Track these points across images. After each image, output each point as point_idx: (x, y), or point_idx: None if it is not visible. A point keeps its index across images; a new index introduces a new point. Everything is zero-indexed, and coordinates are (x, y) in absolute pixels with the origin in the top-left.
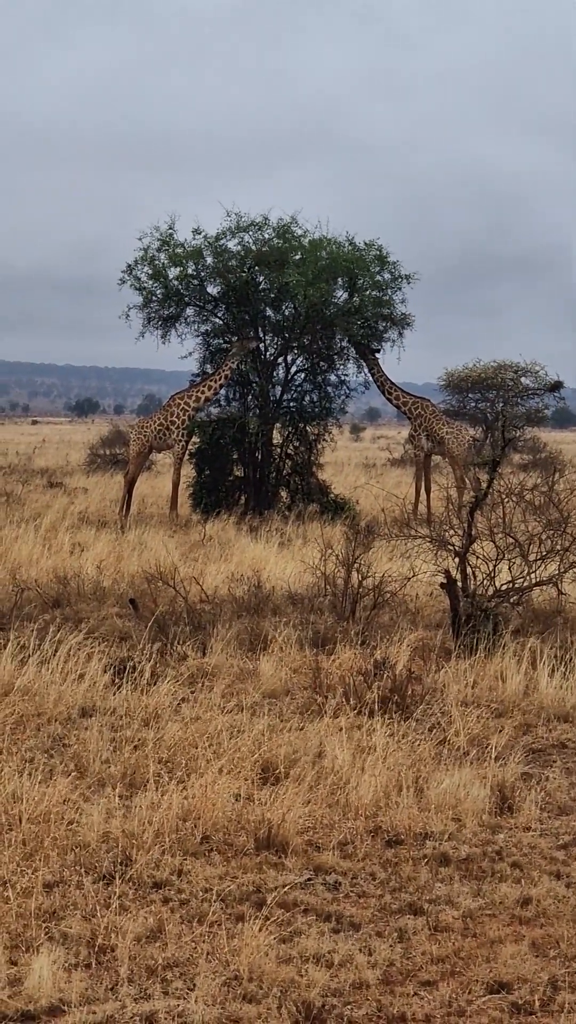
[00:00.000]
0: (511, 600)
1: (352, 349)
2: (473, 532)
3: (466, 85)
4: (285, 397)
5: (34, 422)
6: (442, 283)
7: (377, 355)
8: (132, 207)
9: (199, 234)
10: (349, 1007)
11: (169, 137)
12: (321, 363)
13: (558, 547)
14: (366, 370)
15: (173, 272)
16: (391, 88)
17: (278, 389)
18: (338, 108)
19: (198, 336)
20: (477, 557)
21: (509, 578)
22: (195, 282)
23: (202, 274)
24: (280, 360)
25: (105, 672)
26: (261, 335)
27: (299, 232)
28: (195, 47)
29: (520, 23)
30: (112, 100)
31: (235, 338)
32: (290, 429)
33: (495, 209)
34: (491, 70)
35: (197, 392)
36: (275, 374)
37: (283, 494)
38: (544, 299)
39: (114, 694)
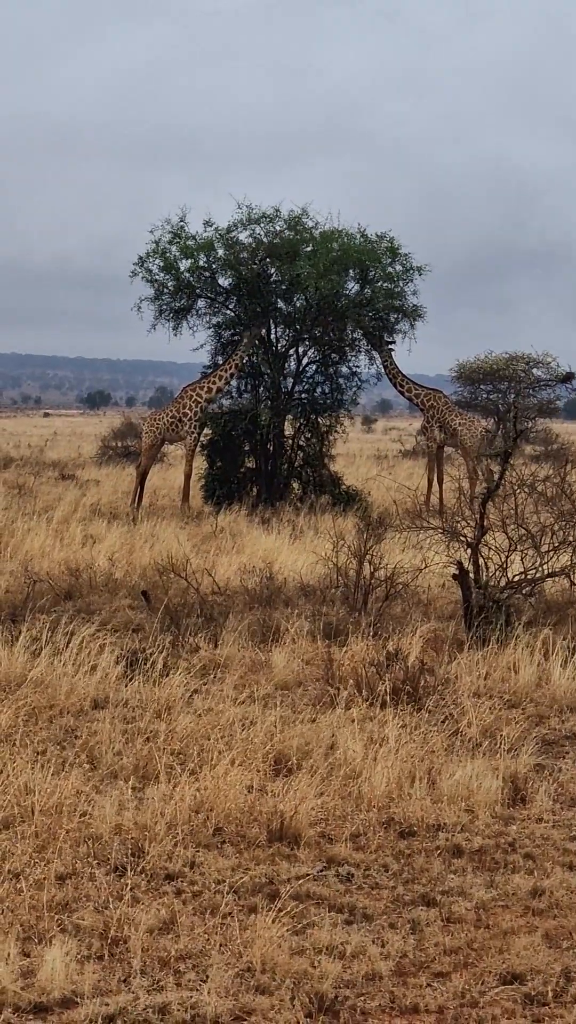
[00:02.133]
0: (523, 591)
1: (364, 341)
2: (485, 523)
3: (488, 81)
4: (297, 389)
5: (46, 414)
6: (459, 277)
7: (391, 347)
8: (152, 202)
9: (210, 226)
10: (362, 998)
11: (190, 134)
12: (333, 355)
13: (570, 538)
14: (378, 362)
15: (184, 264)
16: (413, 84)
17: (290, 381)
18: (359, 104)
19: (210, 328)
20: (489, 548)
21: (521, 569)
22: (206, 274)
23: (213, 266)
24: (292, 352)
25: (117, 664)
26: (272, 327)
27: (310, 224)
28: (219, 45)
29: (542, 19)
30: (136, 98)
31: (245, 330)
32: (302, 421)
33: (514, 204)
34: (513, 66)
35: (208, 383)
36: (287, 366)
37: (295, 486)
38: (560, 293)
39: (126, 686)
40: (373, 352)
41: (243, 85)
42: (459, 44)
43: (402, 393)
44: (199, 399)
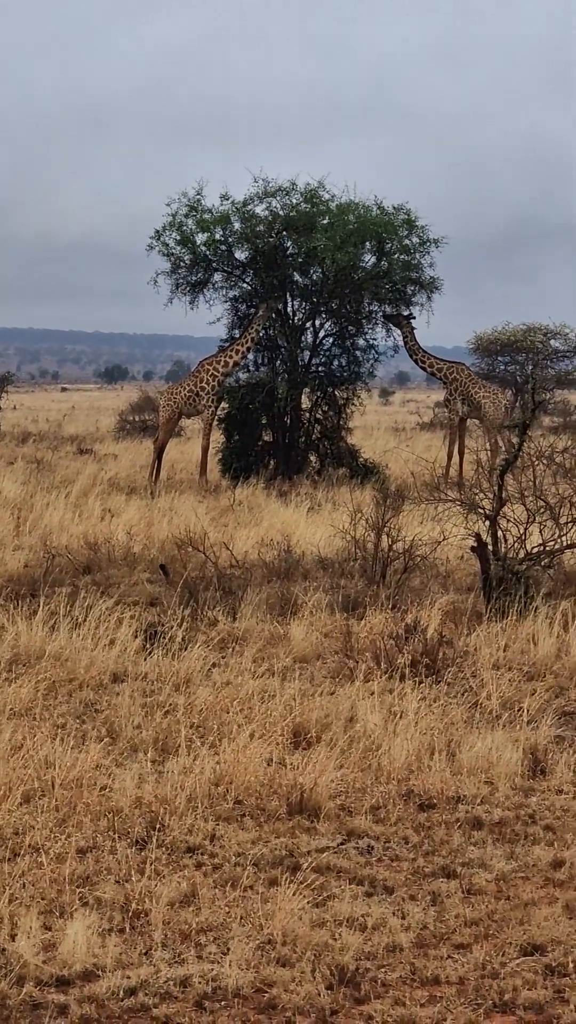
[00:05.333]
0: (542, 563)
1: (383, 316)
2: (504, 495)
3: (525, 56)
4: (314, 361)
5: (63, 389)
6: (493, 250)
7: (412, 321)
8: (186, 177)
9: (227, 199)
10: (383, 970)
11: (231, 109)
12: (349, 327)
13: None
14: (396, 334)
15: (201, 238)
16: (450, 59)
17: (307, 354)
18: (395, 80)
19: (226, 302)
20: (508, 520)
21: (540, 541)
22: (223, 247)
23: (230, 239)
24: (308, 325)
25: (136, 637)
26: (289, 299)
27: (326, 196)
28: (258, 22)
29: None
30: (176, 75)
31: (262, 303)
32: (319, 393)
33: (549, 178)
34: (551, 40)
35: (225, 357)
36: (303, 339)
37: (312, 459)
38: None
39: (145, 659)
40: (393, 327)
41: (280, 62)
42: (497, 19)
43: (424, 368)
44: (217, 373)
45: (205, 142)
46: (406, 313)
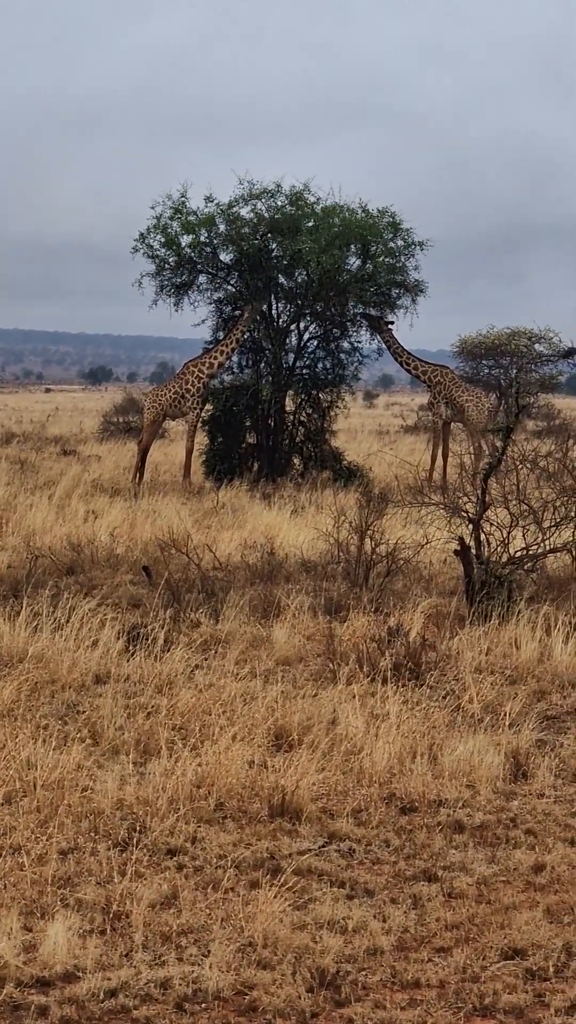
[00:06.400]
0: (525, 567)
1: (364, 321)
2: (487, 499)
3: (517, 55)
4: (298, 364)
5: (47, 390)
6: (484, 250)
7: (391, 327)
8: (182, 177)
9: (211, 202)
10: (363, 973)
11: (225, 109)
12: (334, 330)
13: (572, 514)
14: (379, 339)
15: (186, 240)
16: (442, 58)
17: (291, 356)
18: (391, 79)
19: (211, 304)
20: (491, 524)
21: (523, 545)
22: (207, 250)
23: (215, 241)
24: (293, 327)
25: (119, 639)
26: (274, 302)
27: (312, 199)
28: (258, 19)
29: None
30: (170, 75)
31: (246, 305)
32: (303, 396)
33: (541, 178)
34: (543, 39)
35: (210, 359)
36: (288, 341)
37: (296, 461)
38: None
39: (128, 661)
40: (376, 333)
41: (275, 61)
42: (489, 19)
43: (408, 371)
44: (201, 374)
45: (200, 142)
46: (388, 320)
